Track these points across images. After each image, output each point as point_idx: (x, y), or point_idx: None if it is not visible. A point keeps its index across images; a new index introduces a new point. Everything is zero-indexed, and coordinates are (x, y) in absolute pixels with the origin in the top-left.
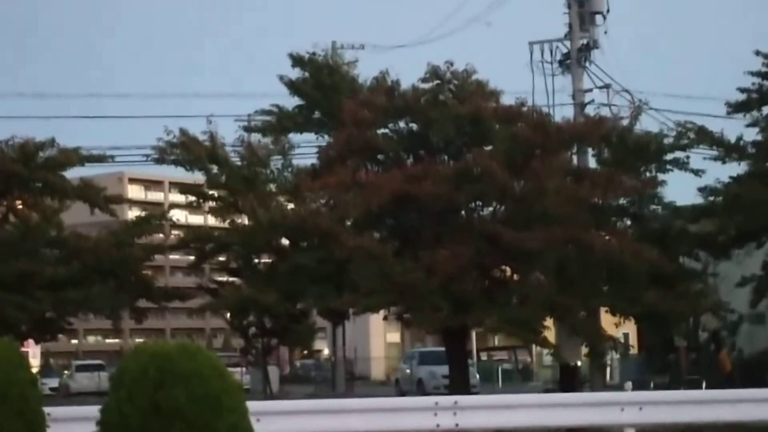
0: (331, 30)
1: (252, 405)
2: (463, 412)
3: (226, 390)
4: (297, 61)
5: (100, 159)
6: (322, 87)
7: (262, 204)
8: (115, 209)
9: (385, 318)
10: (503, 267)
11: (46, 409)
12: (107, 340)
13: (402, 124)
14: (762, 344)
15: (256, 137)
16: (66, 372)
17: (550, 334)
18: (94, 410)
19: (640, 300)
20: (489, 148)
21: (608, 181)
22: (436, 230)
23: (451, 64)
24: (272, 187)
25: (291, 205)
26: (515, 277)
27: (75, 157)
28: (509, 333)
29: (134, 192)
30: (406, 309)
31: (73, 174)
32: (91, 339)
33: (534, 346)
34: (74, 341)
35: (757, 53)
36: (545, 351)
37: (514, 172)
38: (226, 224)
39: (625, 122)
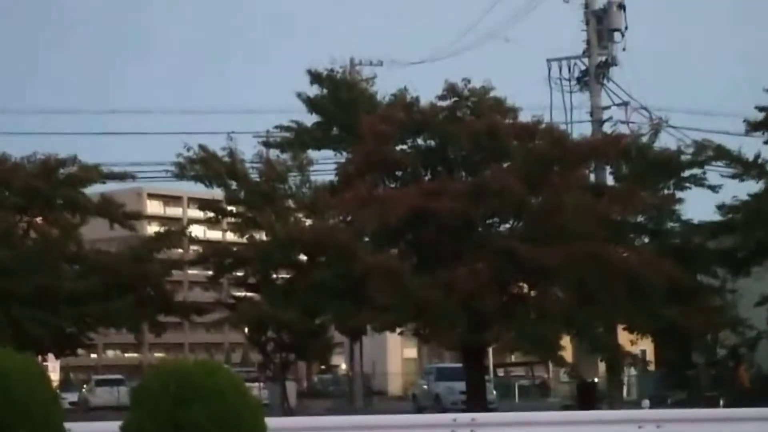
0: (350, 46)
1: (270, 421)
2: (481, 429)
3: (245, 407)
4: (315, 77)
5: (121, 177)
6: (340, 103)
7: (281, 219)
8: (134, 225)
9: (401, 333)
10: (521, 283)
11: (67, 425)
12: (126, 355)
13: (420, 140)
14: None
15: (274, 153)
16: (85, 386)
17: (567, 353)
18: (114, 426)
19: (658, 316)
20: (506, 164)
21: (627, 197)
22: (454, 246)
23: (469, 81)
24: (290, 202)
25: (309, 221)
26: (533, 293)
27: (96, 174)
28: (526, 351)
29: (153, 207)
30: (423, 326)
31: (92, 190)
32: (110, 353)
33: (551, 362)
34: (93, 356)
35: None
36: (563, 368)
37: (532, 187)
38: (244, 240)
39: (644, 139)
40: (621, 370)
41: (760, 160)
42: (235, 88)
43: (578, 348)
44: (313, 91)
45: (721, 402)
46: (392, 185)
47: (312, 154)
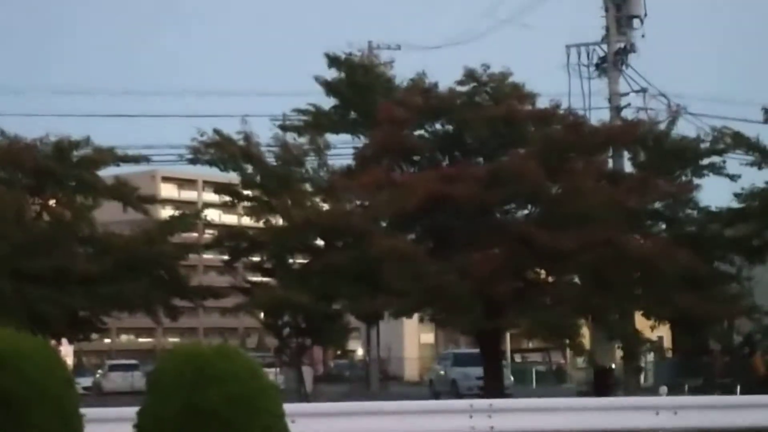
0: (367, 30)
1: (287, 407)
2: (498, 415)
3: (262, 391)
4: (333, 61)
5: (135, 159)
6: (358, 87)
7: (297, 203)
8: (147, 208)
9: (421, 320)
10: (537, 269)
11: (82, 410)
12: (140, 339)
13: (437, 125)
14: None
15: (291, 136)
16: (99, 371)
17: (584, 339)
18: (129, 411)
19: (674, 303)
20: (524, 150)
21: (644, 184)
22: (470, 231)
23: (488, 67)
24: (307, 186)
25: (325, 205)
26: (549, 279)
27: (110, 156)
28: (543, 337)
29: (167, 190)
30: (439, 311)
31: (106, 172)
32: (123, 338)
33: (567, 347)
34: (107, 340)
35: None
36: (580, 355)
37: (549, 173)
38: (260, 224)
39: (662, 126)
40: (638, 356)
41: None
42: (251, 71)
43: (594, 334)
44: (331, 74)
45: (738, 389)
46: (409, 170)
47: (329, 138)
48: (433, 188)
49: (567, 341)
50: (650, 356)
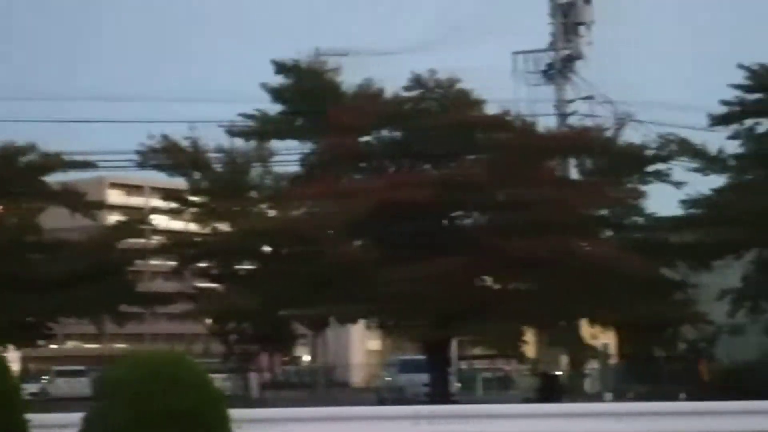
0: (315, 36)
1: (234, 412)
2: (443, 421)
3: (209, 398)
4: (281, 67)
5: (82, 165)
6: (306, 93)
7: (244, 210)
8: (96, 214)
9: (368, 327)
10: (488, 276)
11: (28, 416)
12: (87, 346)
13: (386, 132)
14: (740, 355)
15: (238, 142)
16: (46, 377)
17: (530, 346)
18: (76, 417)
19: (621, 309)
20: (473, 157)
21: (593, 191)
22: (421, 239)
23: (435, 73)
24: (254, 193)
25: (273, 212)
26: (498, 286)
27: (57, 162)
28: (490, 346)
29: (115, 196)
30: (389, 318)
31: (53, 178)
32: (70, 344)
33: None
34: (54, 346)
35: (740, 67)
36: (524, 364)
37: (500, 180)
38: (207, 230)
39: (609, 133)
40: (583, 363)
41: (722, 155)
42: (198, 78)
43: (541, 341)
44: (278, 81)
45: (682, 396)
46: (358, 177)
47: (277, 144)
48: (382, 195)
49: (512, 350)
50: (596, 363)
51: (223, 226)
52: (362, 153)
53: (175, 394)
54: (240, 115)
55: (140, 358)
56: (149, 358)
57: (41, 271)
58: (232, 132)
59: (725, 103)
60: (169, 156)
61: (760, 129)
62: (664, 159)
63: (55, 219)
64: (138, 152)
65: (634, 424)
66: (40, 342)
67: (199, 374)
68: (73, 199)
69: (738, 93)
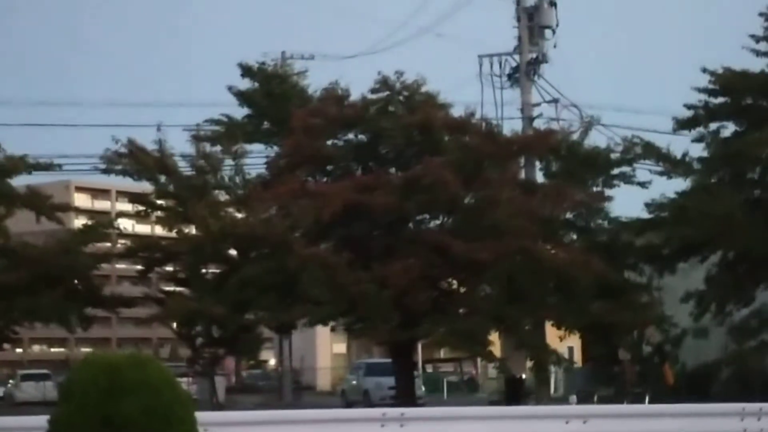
0: (281, 40)
1: (200, 415)
2: (410, 424)
3: (176, 401)
4: (246, 71)
5: (47, 167)
6: (272, 97)
7: (211, 213)
8: (61, 217)
9: (333, 329)
10: (452, 279)
11: None
12: (52, 350)
13: (351, 134)
14: (705, 358)
15: (204, 146)
16: (11, 381)
17: (496, 348)
18: (41, 420)
19: (586, 312)
20: (438, 159)
21: (557, 193)
22: (386, 241)
23: (401, 75)
24: (222, 194)
25: (240, 215)
26: (462, 289)
27: (21, 164)
28: (456, 346)
29: (81, 201)
30: (356, 320)
31: (18, 182)
32: (36, 348)
33: (478, 358)
34: (19, 350)
35: (704, 70)
36: (491, 363)
37: (464, 182)
38: (174, 234)
39: (574, 136)
40: (547, 366)
41: (687, 158)
42: (164, 82)
43: (506, 344)
44: (244, 84)
45: (647, 398)
46: (324, 180)
47: (243, 147)
48: (348, 198)
49: (479, 350)
50: (559, 367)
51: (189, 229)
52: (326, 155)
53: (142, 396)
54: (207, 120)
55: (106, 361)
56: (115, 360)
57: (5, 275)
58: (198, 136)
59: (689, 106)
60: (135, 160)
61: (724, 132)
62: (629, 162)
63: (20, 222)
64: (104, 156)
65: (600, 426)
66: (5, 346)
67: (165, 376)
68: (38, 202)
69: (702, 96)
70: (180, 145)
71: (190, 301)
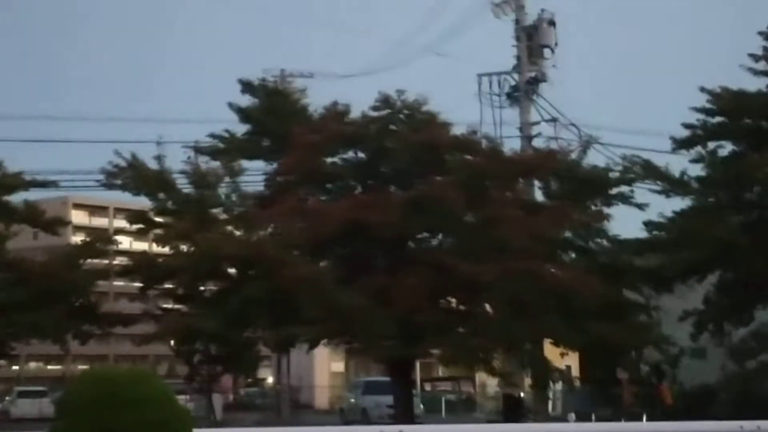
0: (281, 58)
1: None
2: None
3: (174, 416)
4: (247, 87)
5: (45, 184)
6: (273, 113)
7: (210, 230)
8: (59, 232)
9: (336, 346)
10: (454, 298)
11: None
12: (49, 366)
13: (351, 152)
14: (702, 378)
15: (204, 160)
16: (7, 398)
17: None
18: None
19: (586, 331)
20: (441, 177)
21: (560, 213)
22: (387, 260)
23: (402, 93)
24: (220, 211)
25: (239, 233)
26: (463, 308)
27: (19, 181)
28: (465, 364)
29: (79, 217)
30: (353, 339)
31: (16, 198)
32: (32, 365)
33: (476, 377)
34: (15, 367)
35: (702, 90)
36: (492, 381)
37: (468, 202)
38: (172, 251)
39: (573, 156)
40: (547, 384)
41: (685, 178)
42: (163, 99)
43: (505, 363)
44: (245, 101)
45: (644, 418)
46: (323, 198)
47: (244, 164)
48: (348, 216)
49: (483, 366)
50: (559, 385)
51: (188, 247)
52: (327, 173)
53: (140, 411)
54: (208, 135)
55: (104, 375)
56: (113, 374)
57: (3, 291)
58: (198, 150)
59: (687, 126)
60: (134, 176)
61: (722, 152)
62: (628, 182)
63: (18, 239)
64: (102, 172)
65: None
66: (2, 362)
67: (164, 391)
68: (36, 219)
69: (700, 116)
70: (179, 161)
71: (186, 318)
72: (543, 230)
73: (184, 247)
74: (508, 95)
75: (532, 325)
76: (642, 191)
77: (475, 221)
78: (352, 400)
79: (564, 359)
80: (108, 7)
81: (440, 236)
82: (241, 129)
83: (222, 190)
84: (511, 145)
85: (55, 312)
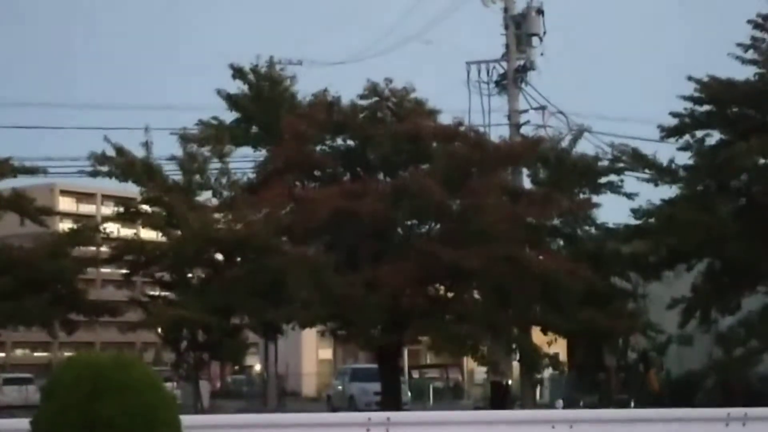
0: (269, 45)
1: (184, 419)
2: (396, 428)
3: (160, 403)
4: (237, 72)
5: (32, 171)
6: (262, 100)
7: (198, 215)
8: (46, 221)
9: (322, 333)
10: (440, 285)
11: None
12: (35, 354)
13: (340, 140)
14: (690, 365)
15: (192, 146)
16: None
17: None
18: (23, 423)
19: (573, 318)
20: (426, 166)
21: (545, 200)
22: (374, 248)
23: (390, 81)
24: (209, 196)
25: (226, 219)
26: (450, 294)
27: (6, 168)
28: (451, 351)
29: (66, 204)
30: (343, 323)
31: (2, 185)
32: (18, 352)
33: (465, 363)
34: (1, 354)
35: (690, 78)
36: (480, 368)
37: (452, 190)
38: (159, 237)
39: (564, 144)
40: (538, 371)
41: (673, 166)
42: (151, 85)
43: (493, 349)
44: (234, 87)
45: (632, 405)
46: (312, 185)
47: (231, 149)
48: (336, 204)
49: (470, 353)
50: (547, 372)
51: (175, 233)
52: (314, 161)
53: (125, 398)
54: (197, 123)
55: (89, 361)
56: (98, 361)
57: None
58: (186, 138)
59: (675, 115)
60: (120, 163)
61: (710, 141)
62: (617, 171)
63: (3, 226)
64: (90, 158)
65: (587, 431)
66: None
67: (149, 378)
68: (23, 206)
69: (688, 105)
70: (167, 148)
71: (174, 306)
72: (526, 216)
73: (170, 233)
74: (497, 83)
75: (518, 312)
76: (630, 180)
77: (459, 209)
78: (340, 388)
79: (551, 347)
80: None
81: (427, 224)
82: (229, 117)
83: (209, 174)
84: (500, 132)
85: (39, 300)
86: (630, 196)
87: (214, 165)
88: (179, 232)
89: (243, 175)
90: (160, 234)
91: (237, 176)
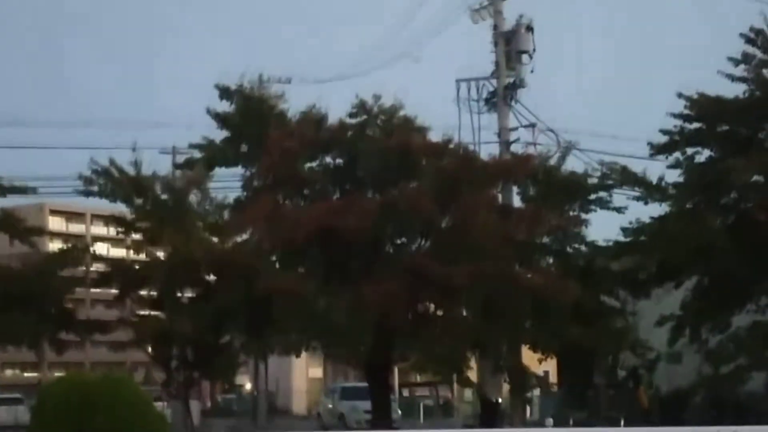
0: (258, 63)
1: None
2: None
3: (149, 420)
4: (224, 92)
5: (22, 191)
6: (250, 118)
7: (187, 237)
8: (35, 241)
9: (306, 349)
10: (428, 302)
11: None
12: (25, 374)
13: (328, 158)
14: (678, 382)
15: (181, 171)
16: None
17: (473, 372)
18: None
19: (562, 336)
20: (415, 183)
21: (534, 217)
22: (362, 265)
23: (379, 98)
24: (195, 219)
25: (214, 239)
26: (439, 312)
27: None
28: (433, 371)
29: (55, 224)
30: (329, 345)
31: None
32: (8, 372)
33: (454, 382)
34: None
35: (680, 96)
36: (468, 388)
37: (441, 207)
38: (147, 258)
39: (552, 161)
40: (525, 389)
41: (663, 183)
42: (143, 103)
43: (482, 367)
44: (223, 107)
45: (622, 422)
46: (299, 203)
47: (224, 171)
48: (323, 221)
49: (455, 375)
50: (536, 390)
51: (164, 253)
52: (302, 178)
53: (114, 415)
54: (191, 146)
55: (78, 379)
56: (87, 379)
57: None
58: (178, 165)
59: (665, 132)
60: (109, 183)
61: (700, 158)
62: (607, 188)
63: None
64: (81, 177)
65: None
66: None
67: (138, 396)
68: (13, 225)
69: (678, 122)
70: (159, 167)
71: (163, 324)
72: (517, 234)
73: (160, 254)
74: (486, 101)
75: (507, 329)
76: (620, 197)
77: (448, 225)
78: (330, 406)
79: (542, 364)
80: (85, 7)
81: (416, 241)
82: (219, 135)
83: (199, 196)
84: (490, 150)
85: (28, 319)
86: (619, 210)
87: (201, 189)
88: (165, 254)
89: (232, 194)
90: (148, 255)
91: (223, 197)
